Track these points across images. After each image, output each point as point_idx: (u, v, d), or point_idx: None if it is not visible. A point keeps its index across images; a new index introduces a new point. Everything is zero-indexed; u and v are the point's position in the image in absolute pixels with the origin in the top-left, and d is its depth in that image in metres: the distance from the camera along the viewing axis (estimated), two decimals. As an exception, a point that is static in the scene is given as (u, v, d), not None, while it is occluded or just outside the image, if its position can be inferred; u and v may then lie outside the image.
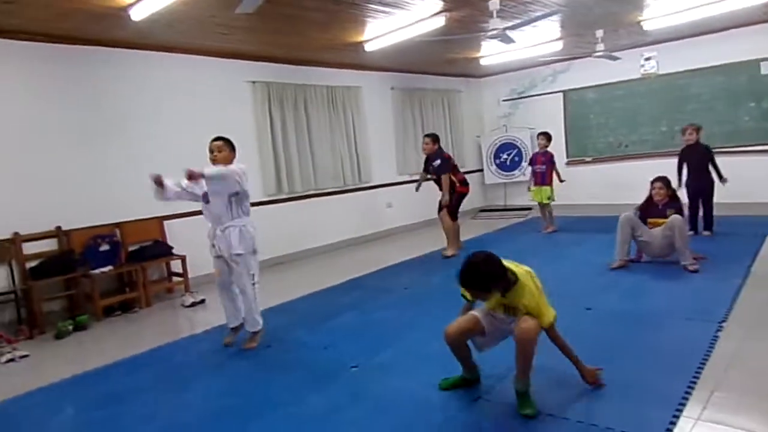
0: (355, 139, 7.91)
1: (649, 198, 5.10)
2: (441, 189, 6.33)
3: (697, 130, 6.11)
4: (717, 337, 3.22)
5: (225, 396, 3.10)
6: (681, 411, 2.43)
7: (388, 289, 5.23)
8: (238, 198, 3.74)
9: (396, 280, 5.52)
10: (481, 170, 10.05)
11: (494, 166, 9.91)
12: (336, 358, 3.44)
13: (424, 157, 6.59)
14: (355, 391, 2.96)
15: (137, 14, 4.23)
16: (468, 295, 2.79)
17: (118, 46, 5.34)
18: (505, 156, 9.78)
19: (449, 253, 6.30)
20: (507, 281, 2.52)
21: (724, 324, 3.41)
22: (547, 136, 7.35)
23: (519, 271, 2.57)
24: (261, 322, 3.85)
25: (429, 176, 6.53)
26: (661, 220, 4.94)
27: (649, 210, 5.09)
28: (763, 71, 7.40)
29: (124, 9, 4.22)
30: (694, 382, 2.68)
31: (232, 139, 3.84)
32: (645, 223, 5.05)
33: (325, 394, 2.95)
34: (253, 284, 3.79)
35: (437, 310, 4.32)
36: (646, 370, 2.90)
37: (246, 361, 3.59)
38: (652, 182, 5.08)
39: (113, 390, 3.26)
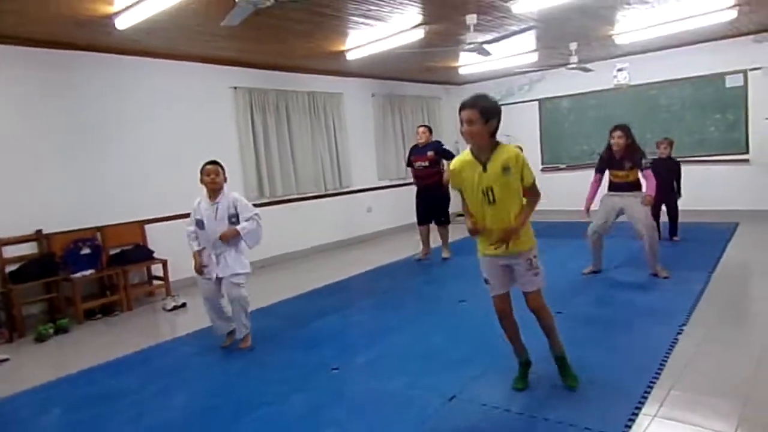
0: (336, 144, 8.03)
1: (609, 148, 4.93)
2: (425, 181, 6.36)
3: (671, 144, 6.34)
4: (677, 339, 3.42)
5: (209, 396, 3.19)
6: (640, 408, 2.61)
7: (368, 292, 5.37)
8: (236, 222, 3.81)
9: (376, 284, 5.66)
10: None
11: (472, 172, 10.08)
12: (317, 359, 3.56)
13: (412, 146, 6.63)
14: (336, 392, 3.08)
15: (122, 23, 4.29)
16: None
17: (101, 51, 5.37)
18: (482, 162, 9.96)
19: (446, 255, 6.53)
20: (496, 130, 2.63)
21: (684, 327, 3.62)
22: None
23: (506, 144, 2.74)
24: (249, 325, 3.95)
25: (418, 165, 6.39)
26: (621, 173, 4.87)
27: (610, 162, 4.95)
28: (727, 84, 7.74)
29: (109, 17, 4.28)
30: (654, 381, 2.87)
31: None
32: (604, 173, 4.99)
33: (307, 394, 3.06)
34: (246, 296, 3.88)
35: (416, 312, 4.49)
36: (610, 370, 3.08)
37: (229, 363, 3.68)
38: (611, 131, 4.88)
39: (98, 392, 3.32)
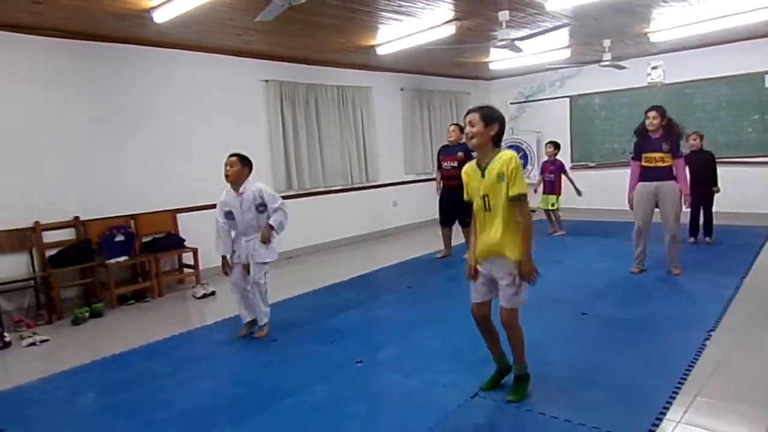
0: (363, 138, 8.07)
1: (644, 129, 4.82)
2: (452, 182, 6.06)
3: (701, 137, 6.22)
4: (705, 345, 3.38)
5: (236, 385, 3.29)
6: (664, 414, 2.60)
7: (392, 287, 5.41)
8: (264, 211, 3.93)
9: (399, 279, 5.70)
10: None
11: (499, 168, 10.02)
12: (341, 352, 3.63)
13: (441, 146, 6.59)
14: (359, 385, 3.14)
15: (160, 17, 4.40)
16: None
17: (136, 44, 5.51)
18: (510, 158, 9.89)
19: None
20: (501, 136, 2.69)
21: (712, 333, 3.56)
22: (555, 145, 7.54)
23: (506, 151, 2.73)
24: (266, 316, 4.06)
25: (447, 165, 6.29)
26: (657, 155, 4.75)
27: (643, 144, 4.84)
28: (767, 84, 7.50)
29: (147, 11, 4.39)
30: (680, 387, 2.85)
31: (248, 156, 3.98)
32: (641, 158, 4.84)
33: (331, 386, 3.13)
34: (265, 276, 4.00)
35: (438, 310, 4.52)
36: (635, 374, 3.06)
37: (255, 353, 3.78)
38: (646, 111, 4.79)
39: (131, 375, 3.45)
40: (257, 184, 3.95)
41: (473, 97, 10.06)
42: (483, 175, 2.69)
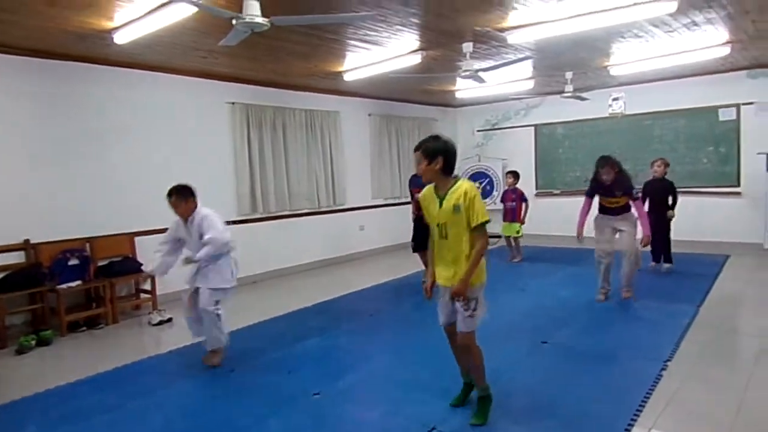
0: (331, 162, 8.05)
1: (597, 179, 5.03)
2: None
3: (666, 164, 6.40)
4: (661, 375, 3.41)
5: (188, 417, 3.16)
6: (620, 447, 2.60)
7: (355, 313, 5.34)
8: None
9: (364, 305, 5.63)
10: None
11: (467, 194, 10.13)
12: (299, 383, 3.53)
13: (411, 176, 6.33)
14: (315, 418, 3.05)
15: (120, 38, 4.33)
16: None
17: (97, 63, 5.39)
18: (477, 184, 9.98)
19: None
20: (450, 165, 2.72)
21: (669, 363, 3.61)
22: (515, 175, 7.70)
23: (464, 180, 2.77)
24: (223, 340, 3.93)
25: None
26: (613, 200, 5.01)
27: (598, 188, 5.07)
28: (720, 118, 7.82)
29: (109, 32, 4.31)
30: (635, 419, 2.86)
31: (188, 185, 3.88)
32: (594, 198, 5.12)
33: (286, 419, 3.03)
34: (216, 303, 3.86)
35: (402, 338, 4.47)
36: (593, 405, 3.06)
37: (209, 384, 3.64)
38: (598, 167, 4.99)
39: (76, 408, 3.28)
40: (203, 210, 3.85)
41: (441, 124, 10.20)
42: (440, 205, 2.73)
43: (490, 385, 2.94)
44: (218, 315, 3.85)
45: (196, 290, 3.88)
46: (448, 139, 2.80)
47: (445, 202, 2.70)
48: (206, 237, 3.75)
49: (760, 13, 4.65)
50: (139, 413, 3.21)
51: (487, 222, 2.67)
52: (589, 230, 5.19)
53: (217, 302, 3.85)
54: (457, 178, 2.75)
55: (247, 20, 3.17)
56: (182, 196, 3.79)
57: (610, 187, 4.97)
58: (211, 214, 3.86)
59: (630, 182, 5.01)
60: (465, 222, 2.67)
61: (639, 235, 5.01)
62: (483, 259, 2.77)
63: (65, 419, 3.14)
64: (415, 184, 6.18)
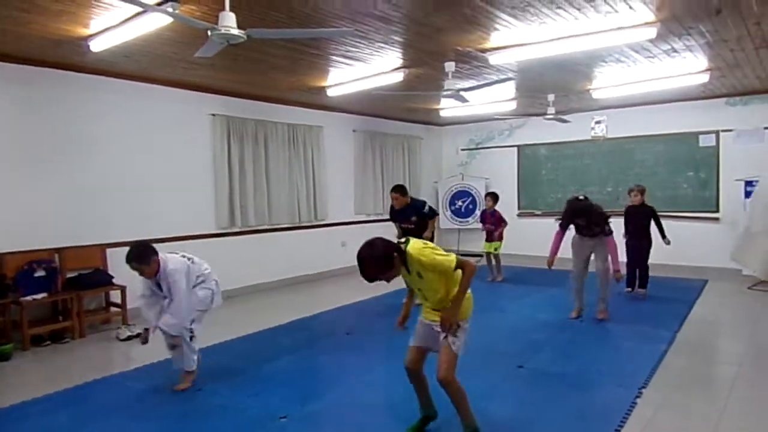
0: (313, 177, 7.98)
1: (571, 219, 5.17)
2: (414, 234, 5.90)
3: (642, 192, 6.37)
4: (635, 403, 3.35)
5: (146, 442, 3.02)
6: (591, 479, 2.52)
7: (331, 332, 5.23)
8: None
9: (340, 324, 5.52)
10: (438, 215, 10.22)
11: (449, 212, 10.13)
12: (265, 406, 3.41)
13: (390, 207, 6.13)
14: (279, 444, 2.93)
15: (96, 46, 4.25)
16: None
17: (74, 71, 5.30)
18: (460, 203, 10.03)
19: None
20: (397, 248, 2.60)
21: (643, 390, 3.55)
22: (494, 197, 7.71)
23: (411, 244, 2.65)
24: (195, 360, 3.78)
25: (405, 227, 5.88)
26: (589, 233, 5.16)
27: (572, 222, 5.20)
28: (701, 144, 7.92)
29: (84, 39, 4.23)
30: (608, 450, 2.79)
31: (147, 244, 3.60)
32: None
33: (249, 445, 2.91)
34: (190, 330, 3.71)
35: (378, 358, 4.36)
36: (565, 434, 2.99)
37: (173, 405, 3.50)
38: (574, 216, 5.12)
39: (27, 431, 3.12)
40: (169, 266, 3.55)
41: (426, 142, 10.21)
42: (409, 272, 2.69)
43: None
44: (192, 335, 3.70)
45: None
46: (370, 241, 2.62)
47: (411, 269, 2.66)
48: (166, 314, 3.56)
49: (738, 42, 4.71)
50: (95, 436, 3.07)
51: (455, 263, 2.60)
52: (562, 252, 5.25)
53: (192, 321, 3.70)
54: (405, 251, 2.62)
55: (222, 32, 3.10)
56: (143, 261, 3.46)
57: (586, 225, 5.12)
58: (175, 271, 3.55)
59: (604, 221, 5.08)
60: (438, 278, 2.67)
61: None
62: (470, 293, 2.75)
63: (15, 441, 2.99)
64: (399, 217, 5.99)
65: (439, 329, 2.73)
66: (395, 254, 2.58)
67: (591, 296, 5.36)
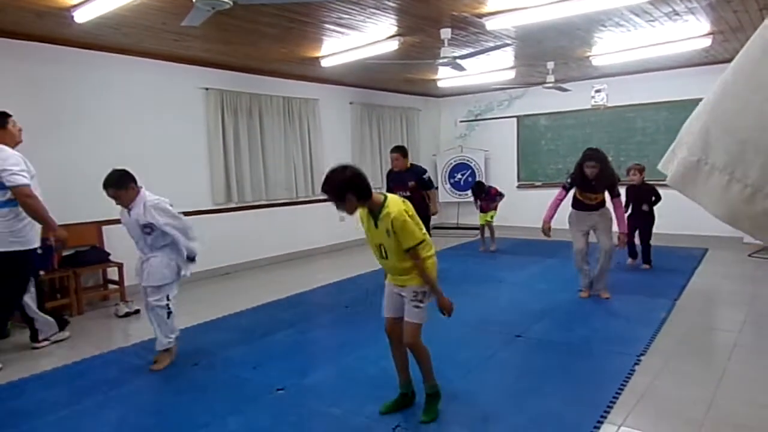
0: (310, 150, 7.89)
1: (581, 173, 4.76)
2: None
3: (641, 170, 6.13)
4: (634, 370, 3.35)
5: (144, 415, 3.02)
6: (587, 445, 2.52)
7: (329, 306, 5.23)
8: (149, 233, 3.54)
9: (338, 298, 5.52)
10: (437, 188, 10.16)
11: (449, 185, 10.05)
12: (262, 379, 3.41)
13: (388, 171, 5.98)
14: (277, 415, 2.93)
15: (80, 17, 4.13)
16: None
17: (62, 44, 5.17)
18: (459, 176, 9.94)
19: None
20: (364, 191, 2.52)
21: (642, 357, 3.54)
22: (480, 188, 7.81)
23: (391, 199, 2.60)
24: (165, 342, 3.65)
25: (400, 194, 5.77)
26: (593, 195, 4.80)
27: (582, 184, 4.82)
28: (702, 111, 7.77)
29: (67, 10, 4.11)
30: (605, 416, 2.78)
31: (126, 170, 3.54)
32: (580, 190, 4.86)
33: (245, 416, 2.91)
34: (167, 305, 3.62)
35: (375, 331, 4.30)
36: (562, 401, 2.98)
37: (170, 380, 3.50)
38: (585, 160, 4.70)
39: (24, 407, 3.12)
40: (149, 198, 3.50)
41: (424, 114, 10.07)
42: (376, 225, 2.62)
43: (459, 379, 2.84)
44: (169, 312, 3.62)
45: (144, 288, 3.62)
46: (342, 168, 2.56)
47: (380, 224, 2.58)
48: (180, 241, 3.53)
49: (742, 2, 4.57)
50: (92, 410, 3.07)
51: (420, 243, 2.55)
52: (557, 224, 4.94)
53: (168, 297, 3.61)
54: (386, 197, 2.59)
55: (207, -2, 3.01)
56: (121, 184, 3.43)
57: (592, 183, 4.73)
58: (158, 203, 3.51)
59: (616, 178, 4.79)
60: (399, 248, 2.59)
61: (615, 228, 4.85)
62: (434, 259, 2.71)
63: (10, 419, 2.98)
64: (396, 181, 5.83)
65: (404, 294, 2.72)
66: (353, 197, 2.50)
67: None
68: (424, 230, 2.66)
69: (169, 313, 3.63)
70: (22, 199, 3.65)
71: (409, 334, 2.71)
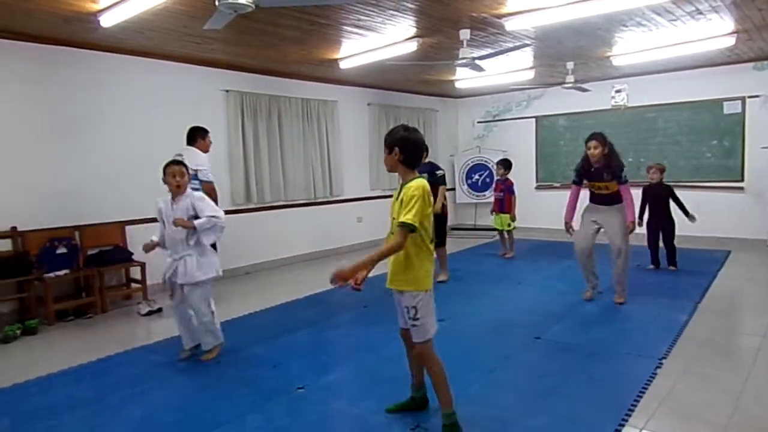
0: (328, 152, 7.94)
1: (587, 159, 4.72)
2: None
3: (661, 170, 6.08)
4: (656, 373, 3.31)
5: (165, 412, 3.07)
6: (609, 448, 2.50)
7: (348, 306, 5.25)
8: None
9: (358, 297, 5.49)
10: (453, 189, 10.16)
11: (466, 186, 10.03)
12: (283, 377, 3.45)
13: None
14: (297, 413, 2.96)
15: (107, 21, 4.22)
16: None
17: (87, 48, 5.29)
18: (476, 176, 9.92)
19: (443, 278, 5.93)
20: (411, 156, 2.56)
21: (664, 360, 3.51)
22: (505, 165, 7.43)
23: (422, 181, 2.55)
24: (215, 339, 3.83)
25: None
26: (601, 183, 4.69)
27: (587, 173, 4.76)
28: (725, 111, 7.67)
29: (94, 14, 4.20)
30: (627, 419, 2.76)
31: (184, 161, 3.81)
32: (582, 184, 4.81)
33: (266, 414, 2.95)
34: (209, 304, 3.77)
35: (393, 331, 4.33)
36: (584, 403, 2.97)
37: (192, 377, 3.57)
38: (587, 141, 4.68)
39: (53, 401, 3.20)
40: (195, 193, 3.75)
41: (441, 115, 10.07)
42: (398, 198, 2.59)
43: (477, 381, 2.82)
44: (213, 315, 3.79)
45: (181, 288, 3.69)
46: (413, 130, 2.61)
47: (400, 194, 2.56)
48: (209, 213, 3.62)
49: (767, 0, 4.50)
50: (116, 406, 3.13)
51: (411, 226, 2.43)
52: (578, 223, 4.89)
53: (207, 298, 3.74)
54: (418, 179, 2.56)
55: (230, 1, 3.05)
56: (185, 167, 3.70)
57: (598, 170, 4.65)
58: (205, 197, 3.77)
59: (619, 163, 4.66)
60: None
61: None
62: (430, 266, 2.60)
63: (40, 413, 3.06)
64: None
65: (402, 304, 2.63)
66: (400, 154, 2.54)
67: (605, 276, 5.17)
68: (431, 230, 2.57)
69: (213, 315, 3.77)
70: (208, 191, 4.64)
71: (416, 353, 2.66)
